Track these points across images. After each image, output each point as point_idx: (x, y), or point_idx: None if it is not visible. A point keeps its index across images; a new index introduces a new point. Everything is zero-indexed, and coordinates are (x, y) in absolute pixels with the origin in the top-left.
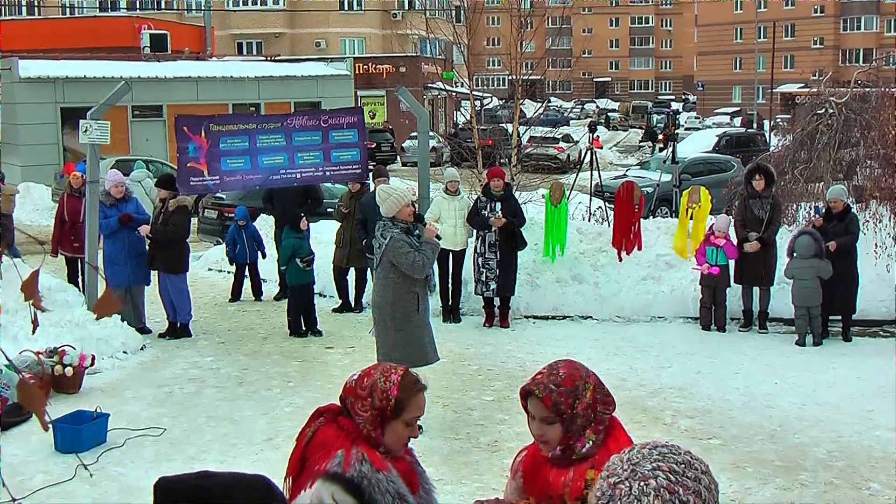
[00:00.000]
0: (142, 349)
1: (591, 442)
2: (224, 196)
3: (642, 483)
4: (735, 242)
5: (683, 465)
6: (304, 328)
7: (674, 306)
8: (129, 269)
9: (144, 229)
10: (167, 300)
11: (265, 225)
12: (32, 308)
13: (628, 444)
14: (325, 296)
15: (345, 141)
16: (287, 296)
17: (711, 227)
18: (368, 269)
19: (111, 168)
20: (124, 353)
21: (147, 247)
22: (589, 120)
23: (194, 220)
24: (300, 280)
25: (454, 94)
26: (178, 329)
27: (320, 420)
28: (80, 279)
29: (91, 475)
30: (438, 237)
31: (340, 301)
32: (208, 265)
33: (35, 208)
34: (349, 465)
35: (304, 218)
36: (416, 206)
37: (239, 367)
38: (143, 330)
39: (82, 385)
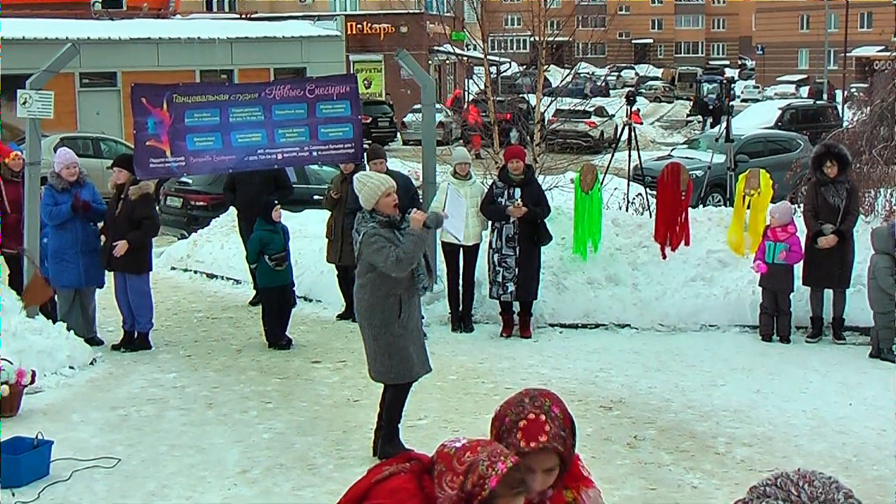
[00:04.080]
0: (92, 364)
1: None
2: (190, 181)
3: None
4: (803, 238)
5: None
6: (284, 339)
7: (728, 313)
8: (81, 268)
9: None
10: (124, 305)
11: (231, 218)
12: None
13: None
14: (310, 300)
15: (335, 115)
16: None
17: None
18: None
19: (57, 146)
20: (71, 368)
21: (102, 242)
22: (627, 90)
23: None
24: (273, 281)
25: (465, 58)
26: (135, 340)
27: (405, 465)
28: (22, 282)
29: None
30: (427, 226)
31: (344, 306)
32: (171, 263)
33: None
34: None
35: (279, 206)
36: (420, 195)
37: (208, 386)
38: (94, 341)
39: (20, 407)
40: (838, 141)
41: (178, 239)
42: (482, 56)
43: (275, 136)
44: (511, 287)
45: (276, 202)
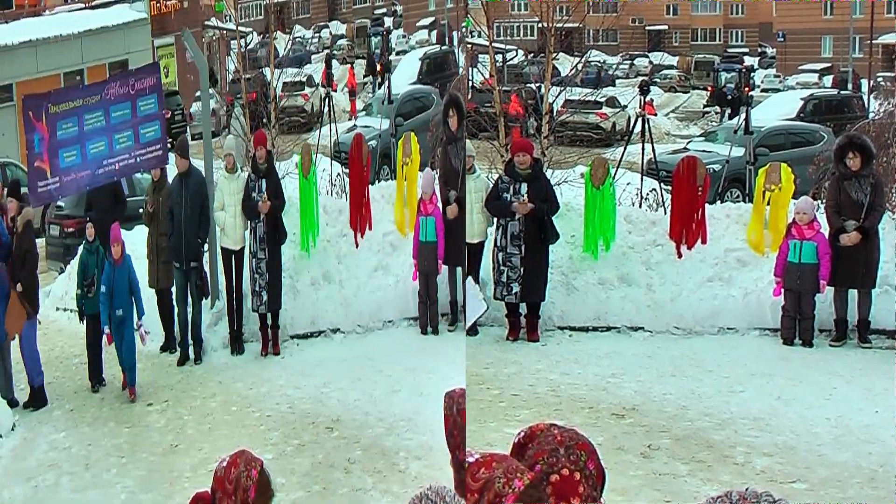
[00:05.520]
0: (13, 429)
1: None
2: (62, 204)
3: None
4: (826, 234)
5: None
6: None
7: (747, 315)
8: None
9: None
10: (27, 355)
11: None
12: None
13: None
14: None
15: (148, 112)
16: None
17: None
18: (189, 287)
19: None
20: None
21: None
22: (640, 79)
23: (40, 242)
24: (89, 309)
25: (225, 32)
26: (35, 395)
27: None
28: None
29: None
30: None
31: (164, 337)
32: (56, 304)
33: None
34: None
35: (90, 223)
36: None
37: (84, 443)
38: (13, 403)
39: None
40: (864, 133)
41: (59, 273)
42: (487, 44)
43: (113, 144)
44: (515, 287)
45: (88, 219)
